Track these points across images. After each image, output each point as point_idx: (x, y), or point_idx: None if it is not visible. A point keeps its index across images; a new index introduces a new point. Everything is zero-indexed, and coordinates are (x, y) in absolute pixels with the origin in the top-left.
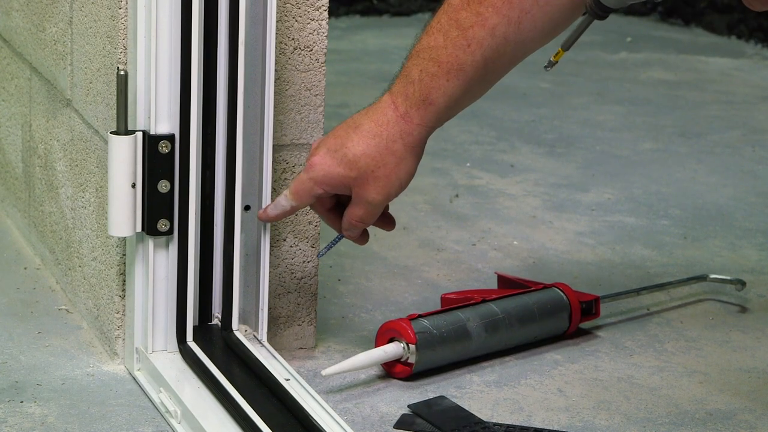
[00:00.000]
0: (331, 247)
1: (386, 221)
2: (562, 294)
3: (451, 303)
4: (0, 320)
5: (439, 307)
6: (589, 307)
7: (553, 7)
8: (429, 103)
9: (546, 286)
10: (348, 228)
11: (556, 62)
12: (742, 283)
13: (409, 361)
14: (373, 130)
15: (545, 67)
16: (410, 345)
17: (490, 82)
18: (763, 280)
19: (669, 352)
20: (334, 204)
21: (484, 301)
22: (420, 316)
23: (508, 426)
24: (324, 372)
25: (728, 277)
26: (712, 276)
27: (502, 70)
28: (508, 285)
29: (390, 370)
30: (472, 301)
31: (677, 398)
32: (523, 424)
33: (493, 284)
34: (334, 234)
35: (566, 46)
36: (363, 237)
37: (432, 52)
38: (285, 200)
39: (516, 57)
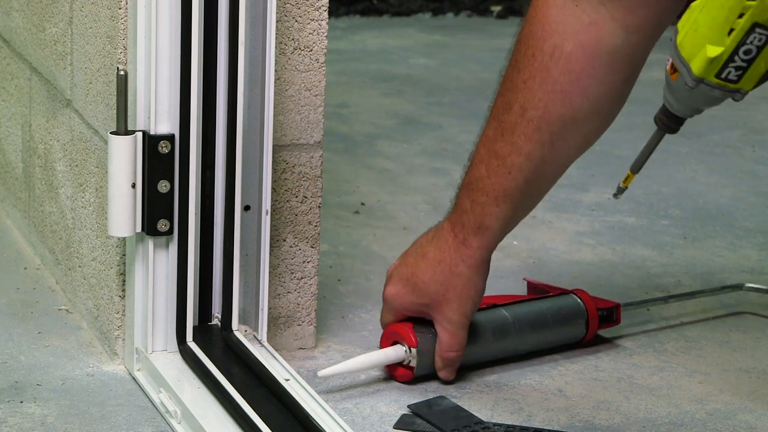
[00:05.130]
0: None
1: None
2: (578, 300)
3: None
4: (0, 320)
5: None
6: (610, 314)
7: (579, 125)
8: (484, 228)
9: (564, 292)
10: (444, 365)
11: (626, 188)
12: None
13: (410, 364)
14: (437, 256)
15: (614, 195)
16: (412, 348)
17: (538, 196)
18: (763, 280)
19: (669, 352)
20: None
21: (494, 306)
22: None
23: (508, 426)
24: (320, 373)
25: (766, 288)
26: (748, 285)
27: (548, 184)
28: (537, 292)
29: (392, 373)
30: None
31: (677, 398)
32: (523, 424)
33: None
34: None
35: (636, 169)
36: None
37: (478, 183)
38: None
39: (558, 170)
